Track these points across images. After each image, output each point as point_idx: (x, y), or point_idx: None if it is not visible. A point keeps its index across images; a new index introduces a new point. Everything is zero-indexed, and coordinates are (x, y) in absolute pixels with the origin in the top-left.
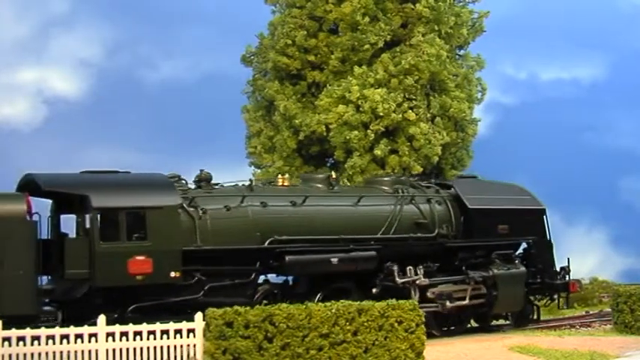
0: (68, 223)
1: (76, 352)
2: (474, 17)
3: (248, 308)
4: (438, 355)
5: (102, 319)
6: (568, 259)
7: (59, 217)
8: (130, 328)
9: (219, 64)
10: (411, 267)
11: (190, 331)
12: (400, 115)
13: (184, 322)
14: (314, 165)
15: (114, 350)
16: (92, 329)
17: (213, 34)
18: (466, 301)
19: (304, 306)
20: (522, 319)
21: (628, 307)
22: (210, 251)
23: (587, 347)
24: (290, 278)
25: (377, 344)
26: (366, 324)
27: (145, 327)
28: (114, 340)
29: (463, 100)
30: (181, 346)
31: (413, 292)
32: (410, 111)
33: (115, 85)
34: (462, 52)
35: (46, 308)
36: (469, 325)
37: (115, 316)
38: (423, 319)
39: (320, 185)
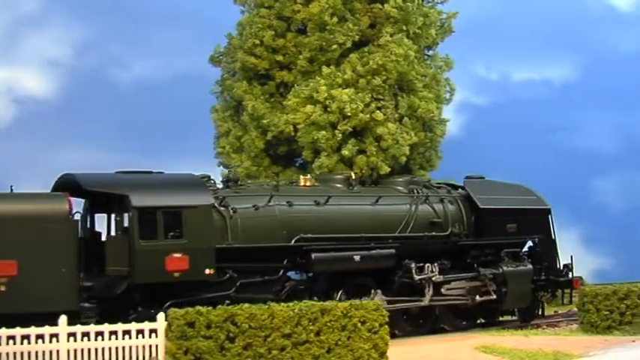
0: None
1: (37, 352)
2: (443, 18)
3: (210, 308)
4: (404, 355)
5: (63, 319)
6: (571, 256)
7: (93, 216)
8: (92, 328)
9: (192, 64)
10: (427, 264)
11: (152, 331)
12: (368, 116)
13: (146, 323)
14: (282, 165)
15: (75, 350)
16: (53, 329)
17: (186, 33)
18: (478, 297)
19: (267, 306)
20: (528, 315)
21: (594, 306)
22: (240, 249)
23: (552, 347)
24: (310, 275)
25: (340, 344)
26: (328, 324)
27: (106, 327)
28: (75, 341)
29: (431, 101)
30: (143, 347)
31: (427, 288)
32: (378, 111)
33: (86, 85)
34: (430, 53)
35: (85, 305)
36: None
37: (152, 311)
38: (387, 319)
39: (340, 185)
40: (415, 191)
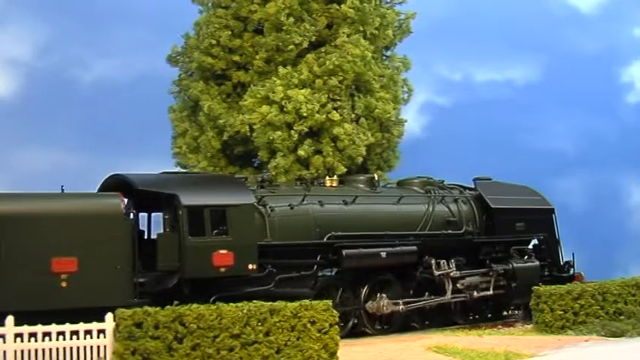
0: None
1: None
2: (401, 18)
3: (158, 309)
4: (355, 355)
5: (10, 319)
6: (573, 254)
7: (137, 215)
8: (39, 328)
9: (152, 64)
10: (444, 260)
11: (101, 331)
12: (324, 116)
13: (94, 323)
14: (239, 165)
15: (22, 351)
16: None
17: (146, 33)
18: (490, 292)
19: (215, 306)
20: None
21: (548, 306)
22: (278, 246)
23: (504, 347)
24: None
25: (289, 344)
26: (278, 324)
27: (54, 328)
28: (22, 341)
29: (388, 101)
30: (91, 347)
31: (447, 283)
32: (334, 112)
33: (46, 85)
34: (388, 53)
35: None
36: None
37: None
38: (337, 319)
39: (363, 186)
40: (432, 192)
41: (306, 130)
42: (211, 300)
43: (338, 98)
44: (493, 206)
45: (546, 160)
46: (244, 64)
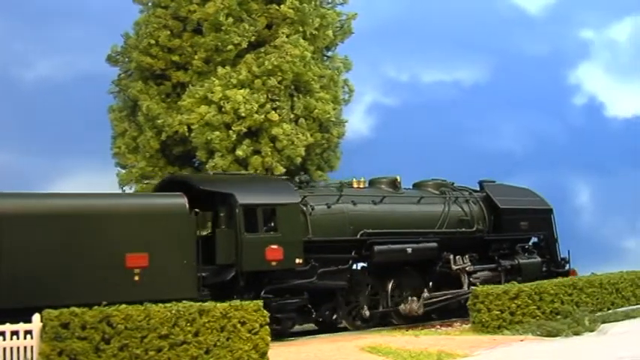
0: None
1: None
2: (342, 19)
3: (85, 309)
4: (289, 355)
5: None
6: (568, 251)
7: (199, 213)
8: None
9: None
10: (460, 256)
11: (28, 332)
12: (263, 116)
13: (21, 324)
14: (178, 166)
15: None
16: None
17: (89, 31)
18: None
19: (143, 307)
20: None
21: (485, 306)
22: (319, 242)
23: (439, 347)
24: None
25: (219, 345)
26: (207, 325)
27: None
28: None
29: (328, 102)
30: (18, 348)
31: (463, 277)
32: (273, 112)
33: None
34: (329, 54)
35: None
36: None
37: (251, 295)
38: (267, 320)
39: (386, 187)
40: (446, 193)
41: (244, 130)
42: (262, 292)
43: (277, 98)
44: (501, 206)
45: (494, 161)
46: (183, 64)
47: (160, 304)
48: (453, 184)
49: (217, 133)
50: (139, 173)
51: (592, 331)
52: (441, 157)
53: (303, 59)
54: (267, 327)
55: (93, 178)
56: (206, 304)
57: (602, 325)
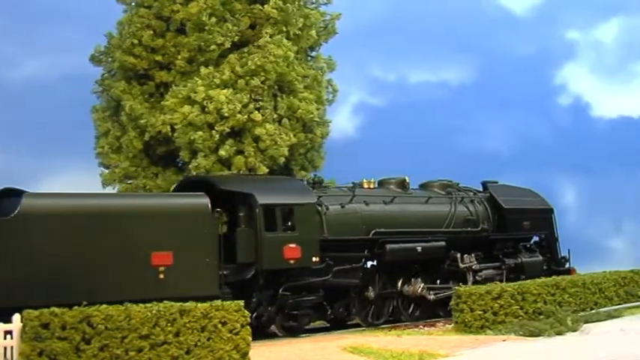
0: None
1: None
2: (326, 19)
3: (65, 309)
4: (270, 355)
5: None
6: (568, 250)
7: (220, 213)
8: None
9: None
10: (466, 255)
11: (8, 332)
12: (246, 116)
13: (1, 324)
14: (162, 166)
15: None
16: None
17: (76, 31)
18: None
19: (124, 307)
20: None
21: (468, 306)
22: (334, 241)
23: (420, 347)
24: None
25: (200, 345)
26: (188, 325)
27: None
28: None
29: (311, 102)
30: None
31: (468, 275)
32: (256, 112)
33: None
34: (313, 54)
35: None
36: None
37: (270, 293)
38: (249, 320)
39: (395, 187)
40: (452, 193)
41: (227, 130)
42: (280, 290)
43: (260, 99)
44: (505, 207)
45: (480, 161)
46: (167, 64)
47: (141, 305)
48: (458, 184)
49: (200, 133)
50: (122, 173)
51: (574, 331)
52: (428, 157)
53: (286, 59)
54: (248, 327)
55: (78, 178)
56: (186, 304)
57: (585, 325)
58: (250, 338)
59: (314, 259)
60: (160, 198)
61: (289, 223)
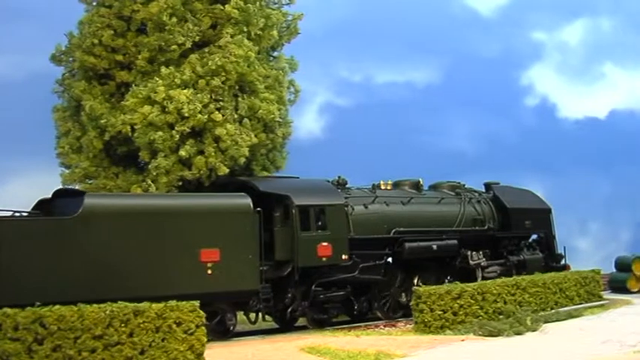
0: None
1: None
2: (288, 20)
3: (17, 310)
4: (229, 355)
5: None
6: (564, 247)
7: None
8: None
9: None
10: (475, 252)
11: None
12: (206, 116)
13: None
14: (122, 166)
15: None
16: None
17: (39, 30)
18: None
19: (77, 307)
20: None
21: (428, 306)
22: (360, 239)
23: (378, 347)
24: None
25: (154, 345)
26: (142, 325)
27: None
28: None
29: (273, 102)
30: None
31: (477, 271)
32: (217, 112)
33: None
34: (275, 54)
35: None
36: None
37: (304, 289)
38: (204, 320)
39: (410, 189)
40: (461, 194)
41: (187, 130)
42: (313, 286)
43: (221, 99)
44: (509, 207)
45: (447, 161)
46: (127, 64)
47: (95, 305)
48: (464, 185)
49: (160, 133)
50: (82, 173)
51: (534, 330)
52: (394, 157)
53: (247, 59)
54: (203, 327)
55: (40, 178)
56: (140, 304)
57: (545, 325)
58: (205, 338)
59: (343, 256)
60: (208, 198)
61: (320, 223)
